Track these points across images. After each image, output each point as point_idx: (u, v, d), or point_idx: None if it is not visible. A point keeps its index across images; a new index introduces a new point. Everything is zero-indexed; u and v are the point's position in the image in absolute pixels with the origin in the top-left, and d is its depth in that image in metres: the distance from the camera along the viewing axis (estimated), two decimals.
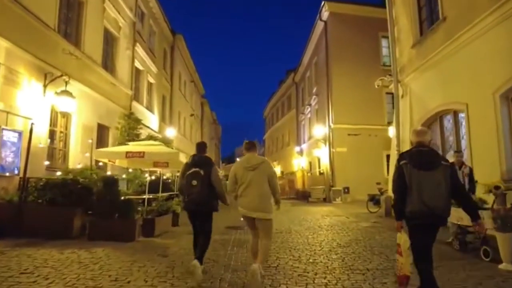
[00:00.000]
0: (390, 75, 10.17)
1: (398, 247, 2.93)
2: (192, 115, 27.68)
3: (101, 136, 11.42)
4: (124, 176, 11.45)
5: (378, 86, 10.79)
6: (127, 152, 7.24)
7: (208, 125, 41.21)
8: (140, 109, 15.20)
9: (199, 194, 3.82)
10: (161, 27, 18.95)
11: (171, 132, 18.56)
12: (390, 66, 18.92)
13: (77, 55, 9.36)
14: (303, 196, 19.91)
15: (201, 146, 4.31)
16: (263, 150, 43.01)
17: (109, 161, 8.37)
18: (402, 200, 2.80)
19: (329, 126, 17.72)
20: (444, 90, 7.58)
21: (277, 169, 35.48)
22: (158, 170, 13.94)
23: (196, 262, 3.62)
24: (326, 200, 17.40)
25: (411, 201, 2.72)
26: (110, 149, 8.00)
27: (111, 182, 6.37)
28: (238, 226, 7.99)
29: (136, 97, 15.36)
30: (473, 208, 2.91)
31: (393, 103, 19.48)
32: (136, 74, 15.49)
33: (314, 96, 21.51)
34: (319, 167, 20.19)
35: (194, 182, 3.84)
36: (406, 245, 2.82)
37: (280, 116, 35.46)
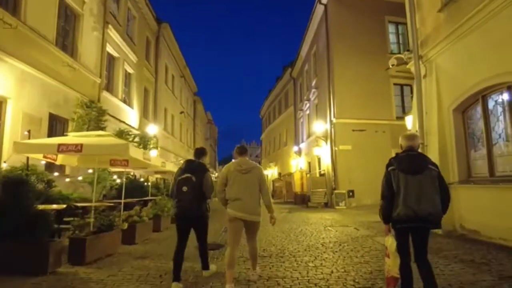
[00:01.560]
0: (408, 50, 8.15)
1: (386, 249, 3.01)
2: (182, 112, 25.65)
3: (56, 129, 9.38)
4: (80, 178, 9.43)
5: (392, 66, 8.78)
6: (59, 145, 5.19)
7: (201, 124, 39.16)
8: (113, 102, 13.18)
9: (189, 201, 3.73)
10: (142, 12, 16.96)
11: (153, 129, 16.51)
12: (398, 53, 17.05)
13: (12, 23, 7.34)
14: (302, 200, 17.86)
15: (199, 152, 4.19)
16: (260, 151, 40.95)
17: (44, 157, 6.32)
18: (390, 204, 2.87)
19: (331, 121, 15.69)
20: (493, 58, 5.55)
21: (275, 171, 33.45)
22: (132, 171, 12.00)
23: (176, 284, 3.51)
24: (327, 205, 15.35)
25: (398, 205, 2.79)
26: (36, 141, 5.92)
27: (14, 185, 4.31)
28: (215, 245, 5.95)
29: (109, 87, 13.35)
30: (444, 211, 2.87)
31: (402, 95, 17.56)
32: (109, 61, 13.49)
33: (313, 90, 19.52)
34: (320, 168, 18.15)
35: (185, 189, 3.73)
36: (393, 247, 2.90)
37: (277, 114, 33.48)
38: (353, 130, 15.20)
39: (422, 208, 2.68)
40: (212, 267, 4.11)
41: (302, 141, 23.70)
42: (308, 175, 18.27)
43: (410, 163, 2.83)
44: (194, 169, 3.85)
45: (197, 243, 3.95)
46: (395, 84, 16.24)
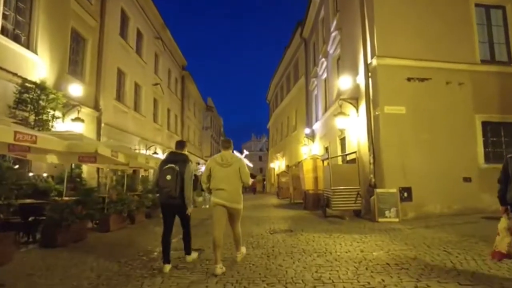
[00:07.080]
0: None
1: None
2: (156, 84, 19.43)
3: None
4: None
5: None
6: None
7: (196, 109, 32.89)
8: None
9: (172, 188, 4.07)
10: None
11: (76, 90, 10.34)
12: None
13: None
14: (316, 204, 11.36)
15: (180, 144, 4.60)
16: (266, 140, 34.45)
17: None
18: (505, 188, 3.27)
19: (367, 65, 9.00)
20: None
21: (282, 163, 26.88)
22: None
23: (167, 266, 4.03)
24: (361, 215, 8.77)
25: (510, 189, 3.18)
26: None
27: None
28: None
29: None
30: None
31: (489, 24, 10.19)
32: None
33: (333, 35, 12.79)
34: (344, 150, 11.52)
35: (168, 177, 4.10)
36: (502, 225, 3.24)
37: (285, 93, 26.94)
38: (408, 79, 8.49)
39: None
40: (194, 254, 4.46)
41: (317, 120, 17.13)
42: (325, 162, 11.53)
43: None
44: (177, 160, 4.27)
45: (182, 229, 4.38)
46: (477, 5, 9.43)
